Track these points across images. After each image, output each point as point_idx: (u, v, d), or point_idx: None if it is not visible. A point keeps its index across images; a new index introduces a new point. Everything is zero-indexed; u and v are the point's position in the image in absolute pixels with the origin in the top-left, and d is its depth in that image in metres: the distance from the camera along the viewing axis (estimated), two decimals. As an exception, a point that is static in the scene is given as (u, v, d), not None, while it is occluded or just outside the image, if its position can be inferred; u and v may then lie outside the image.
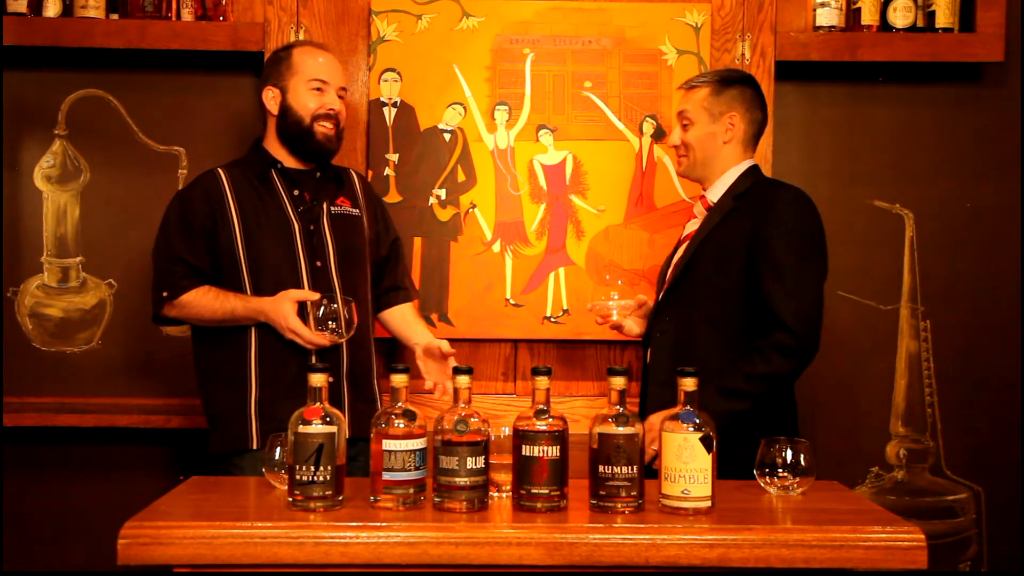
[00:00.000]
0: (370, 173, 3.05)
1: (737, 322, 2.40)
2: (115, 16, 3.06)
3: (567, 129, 3.08)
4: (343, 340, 2.49)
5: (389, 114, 3.07)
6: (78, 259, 3.15)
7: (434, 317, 3.06)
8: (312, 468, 1.83)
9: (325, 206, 2.64)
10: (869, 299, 3.18)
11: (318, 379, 1.88)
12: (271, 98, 2.63)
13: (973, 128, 3.19)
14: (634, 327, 2.66)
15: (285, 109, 2.60)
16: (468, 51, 3.07)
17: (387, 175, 3.06)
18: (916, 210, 3.20)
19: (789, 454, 2.01)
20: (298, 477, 1.84)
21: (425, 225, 3.07)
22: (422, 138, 3.07)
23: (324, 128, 2.60)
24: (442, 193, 3.07)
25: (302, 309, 2.46)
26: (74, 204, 3.15)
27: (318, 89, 2.60)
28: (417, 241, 3.06)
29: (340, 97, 2.64)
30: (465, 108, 3.07)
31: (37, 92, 3.13)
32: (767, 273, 2.34)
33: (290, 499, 1.86)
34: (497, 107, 3.07)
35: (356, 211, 2.71)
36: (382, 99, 3.06)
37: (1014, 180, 3.19)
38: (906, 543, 1.78)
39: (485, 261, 3.07)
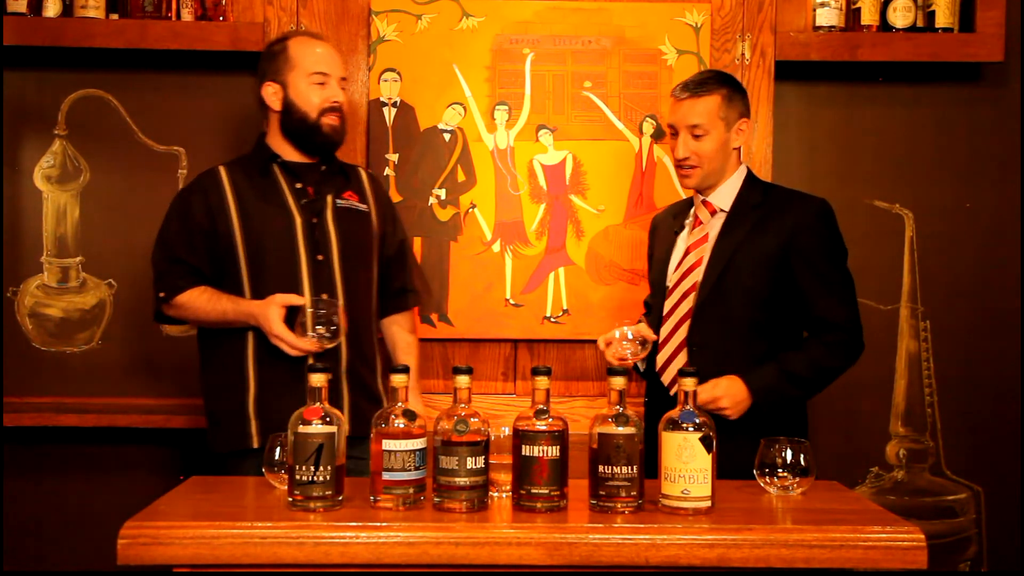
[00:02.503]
0: (370, 173, 3.06)
1: (772, 330, 2.44)
2: (115, 16, 3.06)
3: (567, 129, 3.08)
4: (331, 346, 2.43)
5: (389, 114, 3.07)
6: (78, 259, 3.15)
7: (434, 317, 3.06)
8: (312, 468, 1.83)
9: (330, 199, 2.59)
10: (869, 299, 3.18)
11: (318, 379, 1.88)
12: (272, 94, 2.58)
13: (973, 128, 3.19)
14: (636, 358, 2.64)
15: (288, 105, 2.56)
16: (468, 51, 3.07)
17: (387, 175, 3.06)
18: (916, 210, 3.20)
19: (789, 454, 2.01)
20: (298, 477, 1.84)
21: (425, 225, 3.07)
22: (422, 138, 3.07)
23: (330, 120, 2.56)
24: (442, 193, 3.07)
25: (291, 314, 2.42)
26: (74, 204, 3.15)
27: (320, 83, 2.56)
28: (417, 241, 3.06)
29: (343, 88, 2.60)
30: (465, 108, 3.07)
31: (37, 92, 3.14)
32: (814, 283, 2.41)
33: (290, 499, 1.86)
34: (497, 107, 3.07)
35: (364, 207, 2.65)
36: (382, 99, 3.06)
37: (1014, 180, 3.19)
38: (906, 543, 1.78)
39: (485, 261, 3.08)
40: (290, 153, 2.60)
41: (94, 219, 3.16)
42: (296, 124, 2.56)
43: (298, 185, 2.57)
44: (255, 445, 2.45)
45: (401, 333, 2.76)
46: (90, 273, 3.16)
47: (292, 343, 2.40)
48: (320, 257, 2.53)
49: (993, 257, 3.19)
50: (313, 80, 2.55)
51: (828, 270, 2.43)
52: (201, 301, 2.49)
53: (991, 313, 3.19)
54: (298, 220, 2.53)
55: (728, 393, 2.32)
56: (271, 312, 2.41)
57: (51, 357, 3.15)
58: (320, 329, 2.38)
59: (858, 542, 1.77)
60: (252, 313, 2.45)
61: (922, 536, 1.79)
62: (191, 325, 2.59)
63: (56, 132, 3.14)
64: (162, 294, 2.53)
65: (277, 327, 2.40)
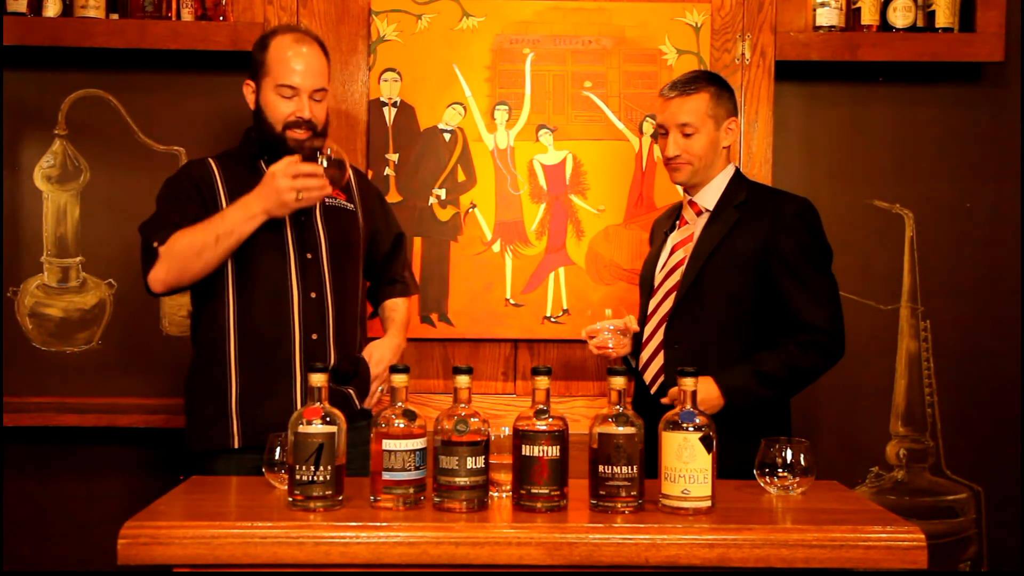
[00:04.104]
0: (370, 173, 3.05)
1: (750, 330, 2.42)
2: (115, 16, 3.06)
3: (567, 129, 3.08)
4: (342, 179, 2.35)
5: (389, 114, 3.07)
6: (78, 259, 3.16)
7: (434, 317, 3.06)
8: (312, 468, 1.83)
9: None
10: (869, 299, 3.18)
11: (318, 379, 1.88)
12: (249, 92, 2.52)
13: (973, 128, 3.19)
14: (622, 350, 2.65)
15: (258, 109, 2.50)
16: (468, 51, 3.07)
17: (387, 175, 3.06)
18: (916, 210, 3.20)
19: (789, 454, 2.01)
20: (298, 477, 1.84)
21: (425, 225, 3.07)
22: (422, 138, 3.07)
23: (296, 135, 2.46)
24: (442, 193, 3.07)
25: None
26: (74, 204, 3.15)
27: (287, 97, 2.45)
28: (417, 241, 3.06)
29: (317, 100, 2.47)
30: (465, 108, 3.07)
31: (37, 92, 3.13)
32: (792, 284, 2.39)
33: (290, 499, 1.86)
34: (497, 107, 3.07)
35: (351, 206, 2.61)
36: (382, 99, 3.07)
37: (1014, 180, 3.19)
38: (906, 543, 1.78)
39: (485, 261, 3.08)
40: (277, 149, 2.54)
41: (94, 219, 3.15)
42: (263, 132, 2.50)
43: None
44: (236, 445, 2.42)
45: (393, 299, 2.73)
46: (90, 273, 3.16)
47: (304, 167, 2.29)
48: (309, 255, 2.49)
49: (993, 257, 3.19)
50: (280, 93, 2.45)
51: (806, 271, 2.40)
52: (197, 227, 2.37)
53: (991, 313, 3.20)
54: (286, 217, 2.47)
55: (700, 393, 2.31)
56: (274, 167, 2.33)
57: (51, 357, 3.15)
58: (324, 164, 2.32)
59: (858, 542, 1.77)
60: (256, 192, 2.34)
61: (922, 536, 1.79)
62: (188, 278, 2.40)
63: (56, 132, 3.14)
64: (155, 243, 2.38)
65: (280, 164, 2.31)
